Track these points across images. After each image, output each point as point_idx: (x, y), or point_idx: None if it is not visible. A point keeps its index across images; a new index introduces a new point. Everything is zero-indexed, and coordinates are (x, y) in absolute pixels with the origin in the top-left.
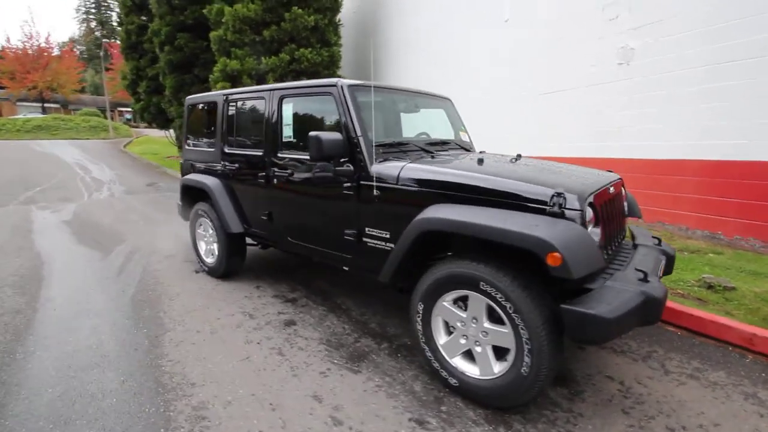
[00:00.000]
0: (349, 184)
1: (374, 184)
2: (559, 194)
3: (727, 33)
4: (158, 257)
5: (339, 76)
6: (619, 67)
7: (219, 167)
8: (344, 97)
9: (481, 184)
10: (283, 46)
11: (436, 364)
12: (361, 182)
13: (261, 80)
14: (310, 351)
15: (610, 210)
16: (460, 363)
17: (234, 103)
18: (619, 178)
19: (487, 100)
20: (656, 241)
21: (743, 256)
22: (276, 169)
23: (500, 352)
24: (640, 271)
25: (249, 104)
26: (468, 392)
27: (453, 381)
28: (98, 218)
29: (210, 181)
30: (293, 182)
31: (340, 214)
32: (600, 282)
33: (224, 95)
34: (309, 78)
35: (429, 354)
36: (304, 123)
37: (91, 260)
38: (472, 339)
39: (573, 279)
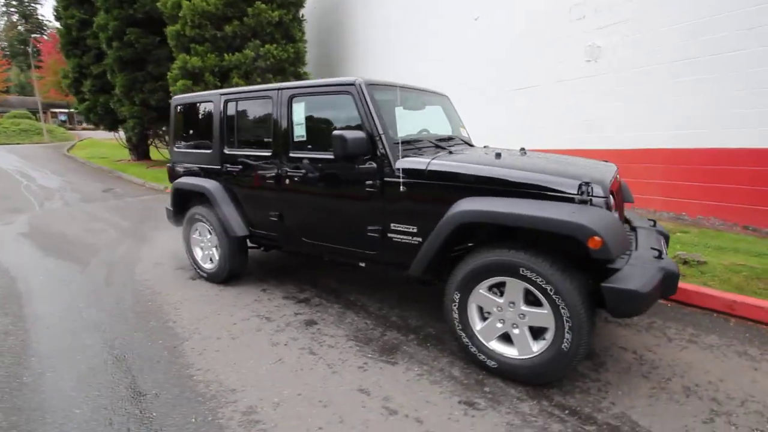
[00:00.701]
0: (371, 182)
1: (401, 180)
2: (587, 183)
3: (686, 34)
4: (144, 266)
5: (305, 73)
6: (587, 63)
7: (218, 169)
8: (364, 95)
9: (511, 178)
10: (246, 42)
11: (473, 349)
12: (385, 179)
13: (225, 77)
14: (341, 348)
15: (618, 196)
16: (497, 346)
17: (234, 103)
18: (617, 168)
19: (459, 95)
20: (652, 223)
21: (707, 233)
22: (288, 169)
23: (536, 333)
24: (656, 249)
25: (252, 104)
26: (507, 373)
27: (492, 363)
28: (60, 229)
29: (209, 184)
30: (308, 181)
31: (362, 211)
32: (621, 262)
33: (222, 95)
34: (275, 75)
35: (466, 340)
36: (317, 122)
37: (70, 273)
38: (509, 322)
39: (612, 259)
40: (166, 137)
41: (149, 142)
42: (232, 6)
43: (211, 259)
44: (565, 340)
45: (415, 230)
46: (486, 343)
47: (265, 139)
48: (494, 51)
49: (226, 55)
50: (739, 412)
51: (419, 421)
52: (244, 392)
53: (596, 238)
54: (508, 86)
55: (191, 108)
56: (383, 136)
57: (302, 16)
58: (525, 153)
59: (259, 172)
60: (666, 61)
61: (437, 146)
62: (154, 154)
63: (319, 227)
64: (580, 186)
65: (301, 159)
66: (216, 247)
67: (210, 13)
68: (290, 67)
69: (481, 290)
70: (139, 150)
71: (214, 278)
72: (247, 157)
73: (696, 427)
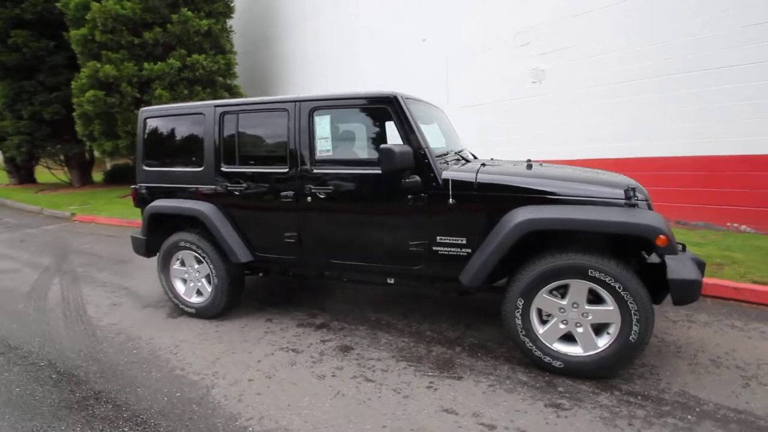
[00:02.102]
0: (416, 195)
1: (450, 192)
2: (633, 189)
3: (616, 61)
4: (99, 309)
5: (236, 86)
6: (533, 85)
7: (212, 189)
8: (403, 109)
9: (564, 188)
10: (170, 51)
11: (537, 353)
12: (431, 192)
13: (145, 88)
14: (396, 370)
15: None
16: (560, 347)
17: (234, 116)
18: None
19: None
20: None
21: None
22: (311, 186)
23: (596, 330)
24: (681, 244)
25: (261, 117)
26: (574, 371)
27: (558, 364)
28: None
29: (203, 206)
30: (338, 198)
31: (404, 226)
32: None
33: (217, 106)
34: (204, 86)
35: (530, 345)
36: (347, 136)
37: (5, 330)
38: (572, 322)
39: (675, 253)
40: (63, 156)
41: (38, 162)
42: (153, 12)
43: (199, 292)
44: (632, 332)
45: (464, 242)
46: (550, 345)
47: (279, 155)
48: (441, 70)
49: (146, 64)
50: (760, 374)
51: (522, 431)
52: None
53: (663, 236)
54: (458, 104)
55: (169, 121)
56: (427, 150)
57: (230, 27)
58: (531, 164)
59: (272, 190)
60: (601, 83)
61: (461, 158)
62: (41, 176)
63: (350, 246)
64: (626, 191)
65: (327, 175)
66: (209, 277)
67: (126, 18)
68: (220, 78)
69: (544, 294)
70: (23, 172)
71: (204, 313)
72: (255, 175)
73: (740, 392)
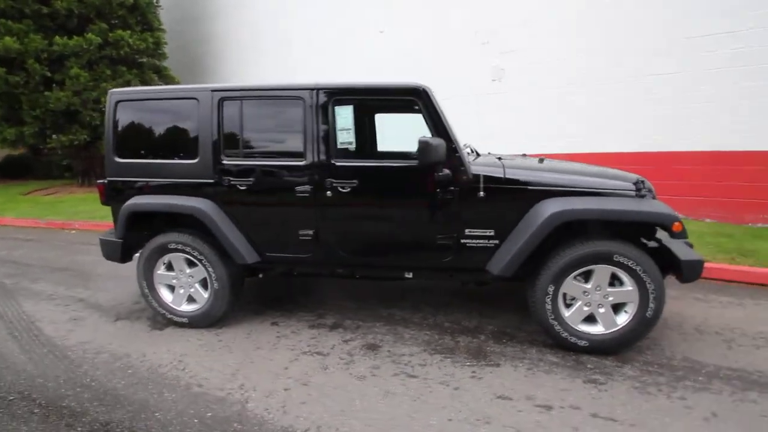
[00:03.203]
0: (446, 189)
1: (480, 186)
2: (642, 182)
3: (570, 62)
4: (59, 326)
5: (165, 68)
6: (493, 82)
7: (209, 184)
8: (434, 102)
9: (584, 182)
10: (87, 24)
11: (564, 335)
12: (461, 186)
13: (57, 66)
14: (434, 364)
15: None
16: (584, 327)
17: (237, 102)
18: None
19: None
20: None
21: None
22: (333, 180)
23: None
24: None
25: (269, 104)
26: (597, 348)
27: (583, 343)
28: None
29: (200, 203)
30: (363, 192)
31: (433, 219)
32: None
33: (215, 91)
34: (129, 66)
35: (558, 327)
36: (369, 127)
37: None
38: (595, 304)
39: (686, 237)
40: None
41: None
42: None
43: (191, 299)
44: (649, 309)
45: (492, 233)
46: (575, 327)
47: (292, 147)
48: (401, 64)
49: (57, 38)
50: (735, 336)
51: (577, 407)
52: None
53: (678, 223)
54: None
55: (148, 106)
56: (457, 144)
57: (157, 1)
58: (525, 157)
59: (285, 185)
60: (555, 85)
61: (474, 152)
62: None
63: (372, 241)
64: (636, 183)
65: (350, 168)
66: (205, 281)
67: None
68: (149, 58)
69: (571, 280)
70: None
71: (199, 322)
72: (264, 168)
73: (727, 353)
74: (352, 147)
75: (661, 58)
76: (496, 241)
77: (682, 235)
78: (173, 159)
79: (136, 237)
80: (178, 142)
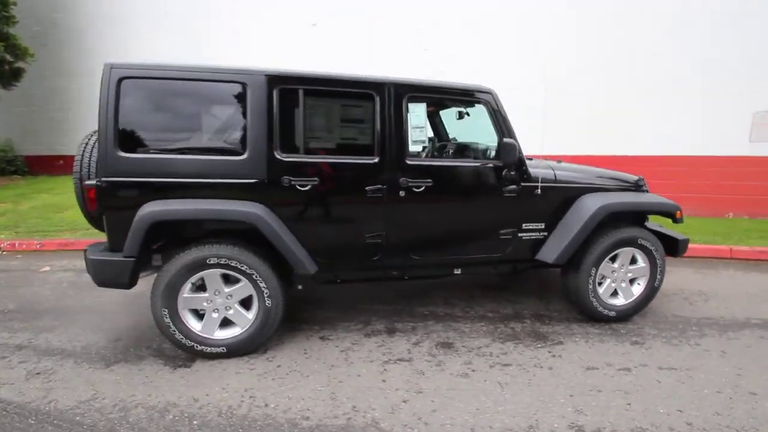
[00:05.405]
0: (512, 187)
1: (539, 184)
2: (642, 179)
3: (498, 70)
4: (29, 384)
5: (14, 36)
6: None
7: (260, 184)
8: (499, 104)
9: (607, 181)
10: None
11: (600, 309)
12: (523, 184)
13: None
14: (514, 351)
15: None
16: (612, 300)
17: (299, 90)
18: None
19: None
20: None
21: None
22: (408, 179)
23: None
24: None
25: (335, 96)
26: (621, 317)
27: (612, 314)
28: None
29: (254, 208)
30: (436, 192)
31: (498, 216)
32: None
33: (269, 76)
34: None
35: (595, 303)
36: (442, 126)
37: None
38: (619, 280)
39: (682, 222)
40: None
41: None
42: None
43: (225, 323)
44: (657, 279)
45: (543, 226)
46: (607, 301)
47: (361, 143)
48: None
49: None
50: (690, 297)
51: (644, 365)
52: (541, 417)
53: (679, 211)
54: None
55: (168, 87)
56: (520, 146)
57: None
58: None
59: (355, 184)
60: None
61: None
62: None
63: (441, 240)
64: (638, 181)
65: (424, 167)
66: (247, 301)
67: None
68: None
69: (606, 262)
70: None
71: (240, 349)
72: (331, 166)
73: (696, 308)
74: (426, 145)
75: (581, 75)
76: (546, 233)
77: (681, 220)
78: (210, 155)
79: (147, 254)
80: (217, 134)
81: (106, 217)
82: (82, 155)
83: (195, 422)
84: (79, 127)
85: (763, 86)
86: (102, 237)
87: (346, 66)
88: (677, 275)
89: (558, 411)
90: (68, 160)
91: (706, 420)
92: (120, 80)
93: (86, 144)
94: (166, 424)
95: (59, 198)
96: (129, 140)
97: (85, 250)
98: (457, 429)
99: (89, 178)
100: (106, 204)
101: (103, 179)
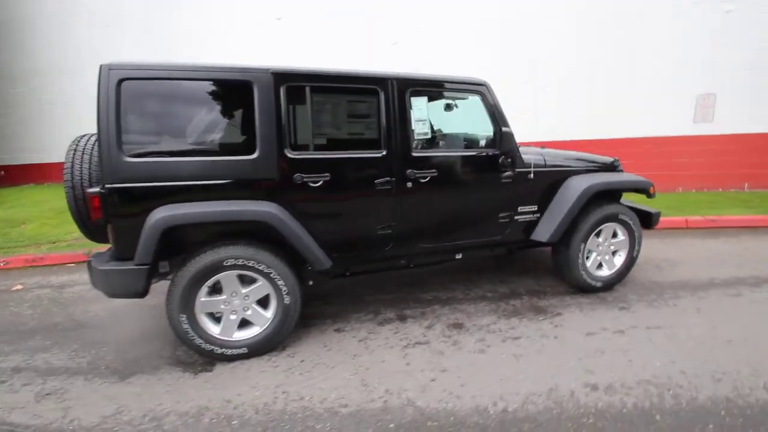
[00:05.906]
0: (507, 173)
1: (531, 170)
2: (617, 160)
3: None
4: (38, 408)
5: None
6: None
7: (272, 182)
8: (493, 95)
9: (589, 165)
10: None
11: (589, 281)
12: (517, 170)
13: None
14: (519, 326)
15: None
16: (598, 272)
17: (302, 88)
18: None
19: None
20: None
21: None
22: (414, 171)
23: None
24: None
25: (340, 92)
26: (605, 287)
27: (599, 284)
28: None
29: (268, 207)
30: (440, 182)
31: (497, 202)
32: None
33: (276, 74)
34: None
35: (585, 276)
36: (442, 118)
37: None
38: (603, 254)
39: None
40: None
41: None
42: None
43: (243, 324)
44: (635, 250)
45: (536, 209)
46: (593, 273)
47: (367, 138)
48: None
49: None
50: (662, 264)
51: (635, 326)
52: (559, 380)
53: (653, 188)
54: None
55: (172, 89)
56: (512, 134)
57: None
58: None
59: (364, 178)
60: None
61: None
62: None
63: (444, 228)
64: (613, 161)
65: (429, 158)
66: (265, 300)
67: None
68: None
69: (593, 237)
70: None
71: (260, 348)
72: (340, 161)
73: (668, 275)
74: (428, 137)
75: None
76: (538, 215)
77: (653, 196)
78: (219, 156)
79: (161, 256)
80: (225, 134)
81: (113, 225)
82: (72, 162)
83: (234, 422)
84: (20, 135)
85: (704, 71)
86: (77, 248)
87: (315, 61)
88: (645, 247)
89: (572, 373)
90: (9, 169)
91: (697, 367)
92: (120, 82)
93: (74, 150)
94: (205, 427)
95: (13, 211)
96: (133, 144)
97: (89, 261)
98: (487, 398)
99: (82, 186)
100: (112, 212)
101: (108, 186)
